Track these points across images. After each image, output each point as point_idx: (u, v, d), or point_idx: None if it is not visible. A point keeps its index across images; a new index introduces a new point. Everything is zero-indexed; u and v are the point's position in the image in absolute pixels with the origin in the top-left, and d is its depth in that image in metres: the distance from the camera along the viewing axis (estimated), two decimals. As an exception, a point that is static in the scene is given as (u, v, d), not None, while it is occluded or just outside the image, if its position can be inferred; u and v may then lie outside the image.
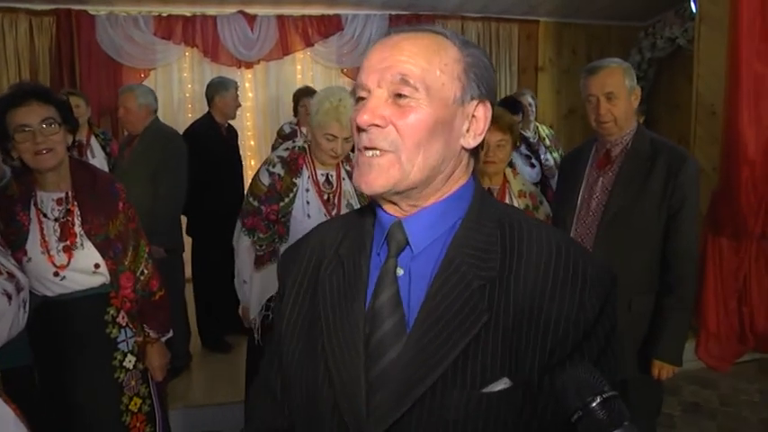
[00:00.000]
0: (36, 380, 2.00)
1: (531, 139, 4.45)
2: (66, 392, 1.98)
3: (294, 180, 2.45)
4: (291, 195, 2.44)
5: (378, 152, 0.85)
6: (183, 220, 3.99)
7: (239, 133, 4.79)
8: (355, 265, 0.92)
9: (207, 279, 4.02)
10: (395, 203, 0.90)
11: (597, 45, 6.31)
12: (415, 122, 0.84)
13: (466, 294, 0.84)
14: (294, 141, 2.63)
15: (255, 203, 2.48)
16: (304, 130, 4.19)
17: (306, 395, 0.92)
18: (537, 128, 4.59)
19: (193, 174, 3.64)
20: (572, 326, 0.82)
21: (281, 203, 2.44)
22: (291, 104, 4.80)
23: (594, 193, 2.27)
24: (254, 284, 2.55)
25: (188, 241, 4.08)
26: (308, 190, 2.46)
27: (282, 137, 4.46)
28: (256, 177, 2.52)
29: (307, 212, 2.43)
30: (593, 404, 0.71)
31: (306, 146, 2.52)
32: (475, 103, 0.89)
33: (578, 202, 2.32)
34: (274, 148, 4.25)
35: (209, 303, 4.06)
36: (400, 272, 0.89)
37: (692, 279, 2.21)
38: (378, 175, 0.85)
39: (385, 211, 0.92)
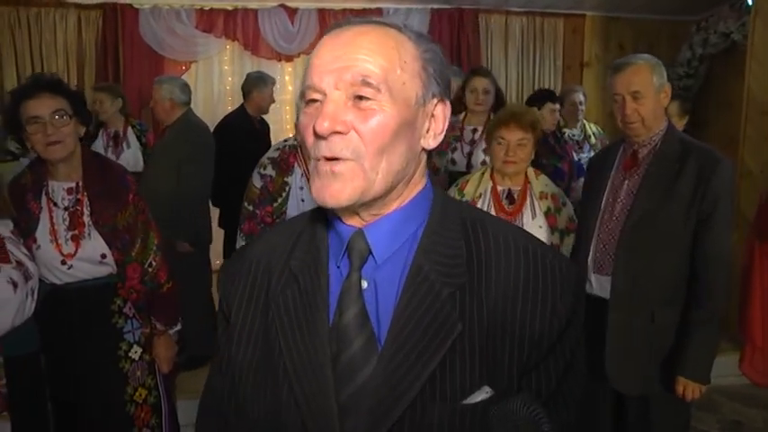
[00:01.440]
0: (42, 366, 2.03)
1: (577, 138, 4.31)
2: (71, 380, 2.01)
3: (286, 179, 2.40)
4: (284, 195, 2.40)
5: (338, 161, 0.78)
6: (215, 212, 4.03)
7: (278, 126, 4.78)
8: (312, 278, 0.85)
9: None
10: (357, 214, 0.84)
11: (645, 40, 6.01)
12: (378, 127, 0.78)
13: (437, 304, 0.79)
14: (285, 141, 2.58)
15: (251, 208, 2.45)
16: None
17: (267, 419, 0.85)
18: (584, 125, 4.43)
19: (224, 166, 3.66)
20: (547, 326, 0.81)
21: (275, 204, 2.40)
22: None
23: (619, 197, 2.15)
24: None
25: (221, 233, 4.12)
26: (301, 188, 2.40)
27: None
28: (250, 182, 2.49)
29: (302, 212, 2.37)
30: None
31: (297, 143, 2.46)
32: (435, 101, 0.84)
33: (602, 205, 2.20)
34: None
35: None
36: (364, 284, 0.83)
37: (724, 289, 2.05)
38: (343, 186, 0.78)
39: (343, 223, 0.86)
